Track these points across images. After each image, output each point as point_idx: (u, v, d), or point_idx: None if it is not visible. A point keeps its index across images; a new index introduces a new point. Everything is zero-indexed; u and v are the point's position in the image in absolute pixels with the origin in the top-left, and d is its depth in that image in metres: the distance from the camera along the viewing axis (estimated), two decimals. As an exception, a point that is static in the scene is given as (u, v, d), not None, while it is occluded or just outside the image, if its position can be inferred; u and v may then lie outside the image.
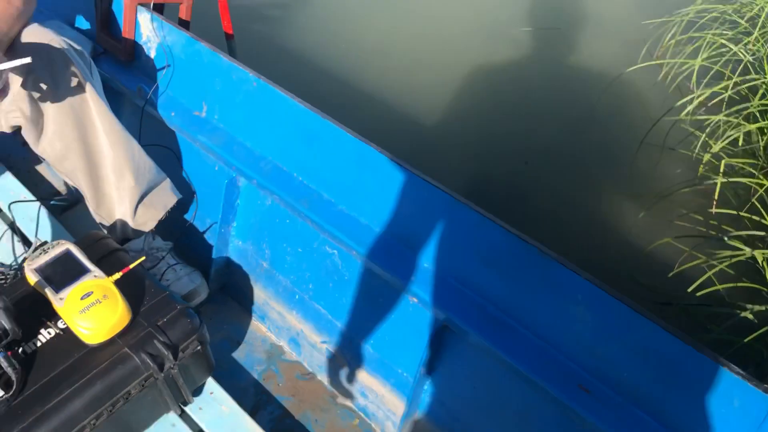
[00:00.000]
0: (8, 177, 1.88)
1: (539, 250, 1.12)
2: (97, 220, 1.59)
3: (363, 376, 1.48)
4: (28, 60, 1.20)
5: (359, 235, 1.32)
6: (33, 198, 1.77)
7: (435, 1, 3.86)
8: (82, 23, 1.84)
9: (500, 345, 1.18)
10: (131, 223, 1.53)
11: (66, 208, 1.99)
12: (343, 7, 3.73)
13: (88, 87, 1.38)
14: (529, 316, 1.18)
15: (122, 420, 1.26)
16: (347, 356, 1.50)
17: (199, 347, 1.31)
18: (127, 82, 1.70)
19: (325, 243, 1.42)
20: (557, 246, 1.18)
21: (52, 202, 1.92)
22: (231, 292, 1.68)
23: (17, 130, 1.47)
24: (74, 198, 1.79)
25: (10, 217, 1.72)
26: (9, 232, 1.68)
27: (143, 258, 1.32)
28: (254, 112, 1.50)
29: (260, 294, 1.62)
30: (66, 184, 1.88)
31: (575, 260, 1.16)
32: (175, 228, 1.60)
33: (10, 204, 1.75)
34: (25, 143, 1.51)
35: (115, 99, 1.75)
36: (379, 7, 3.76)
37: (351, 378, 1.51)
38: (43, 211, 1.74)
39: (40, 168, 2.13)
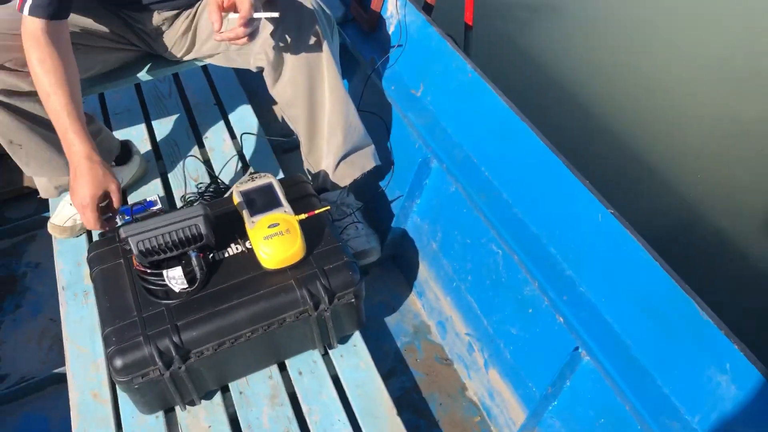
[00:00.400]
0: (248, 110, 2.15)
1: (697, 306, 1.06)
2: (305, 166, 1.77)
3: (495, 377, 1.51)
4: (276, 14, 1.38)
5: (526, 243, 1.34)
6: (262, 134, 2.01)
7: (707, 45, 3.37)
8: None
9: (635, 393, 1.14)
10: (331, 176, 1.69)
11: (286, 150, 2.23)
12: (593, 27, 3.50)
13: (325, 46, 1.54)
14: (671, 374, 1.12)
15: (273, 341, 1.42)
16: (485, 354, 1.53)
17: (353, 300, 1.42)
18: (363, 50, 1.85)
19: (492, 241, 1.45)
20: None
21: (275, 141, 2.15)
22: (399, 262, 1.78)
23: (261, 70, 1.68)
24: (294, 143, 1.99)
25: (240, 144, 1.98)
26: (236, 157, 1.93)
27: (328, 207, 1.46)
28: (462, 102, 1.57)
29: (423, 271, 1.70)
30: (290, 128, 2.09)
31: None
32: (367, 191, 1.73)
33: (242, 134, 2.01)
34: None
35: (349, 63, 1.91)
36: (634, 36, 3.43)
37: (483, 376, 1.54)
38: (267, 147, 1.97)
39: (276, 108, 2.40)
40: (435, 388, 1.63)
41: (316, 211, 1.45)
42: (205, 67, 2.37)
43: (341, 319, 1.46)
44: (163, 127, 2.13)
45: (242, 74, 2.36)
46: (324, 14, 1.53)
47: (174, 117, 2.17)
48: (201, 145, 2.05)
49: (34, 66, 1.40)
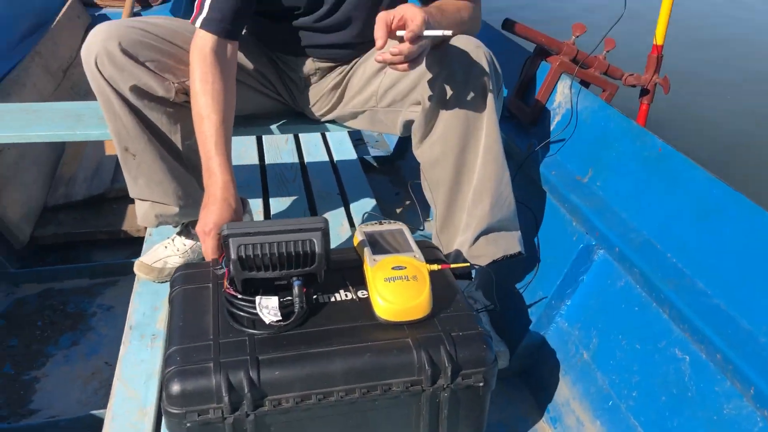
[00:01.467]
0: (371, 203, 1.99)
1: None
2: (435, 243, 1.52)
3: None
4: (449, 33, 1.22)
5: (734, 339, 0.99)
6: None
7: None
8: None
9: None
10: (465, 252, 1.42)
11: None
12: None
13: (490, 102, 1.36)
14: None
15: (366, 420, 1.09)
16: None
17: (481, 384, 1.09)
18: (521, 144, 1.67)
19: (678, 343, 1.10)
20: None
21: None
22: (530, 378, 1.43)
23: (406, 134, 1.51)
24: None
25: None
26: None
27: (467, 264, 1.18)
28: (645, 182, 1.31)
29: (564, 390, 1.33)
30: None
31: None
32: (500, 289, 1.43)
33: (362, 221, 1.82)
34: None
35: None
36: None
37: None
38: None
39: (398, 211, 2.24)
40: None
41: (453, 265, 1.18)
42: (333, 162, 2.28)
43: (458, 411, 1.12)
44: (281, 204, 2.00)
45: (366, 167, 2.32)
46: (494, 69, 1.37)
47: (293, 198, 2.03)
48: None
49: (195, 83, 1.35)
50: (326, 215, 1.93)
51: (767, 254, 1.04)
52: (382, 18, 1.20)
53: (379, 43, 1.20)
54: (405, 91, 1.46)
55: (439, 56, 1.34)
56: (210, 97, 1.33)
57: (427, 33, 1.20)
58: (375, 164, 2.49)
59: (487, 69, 1.34)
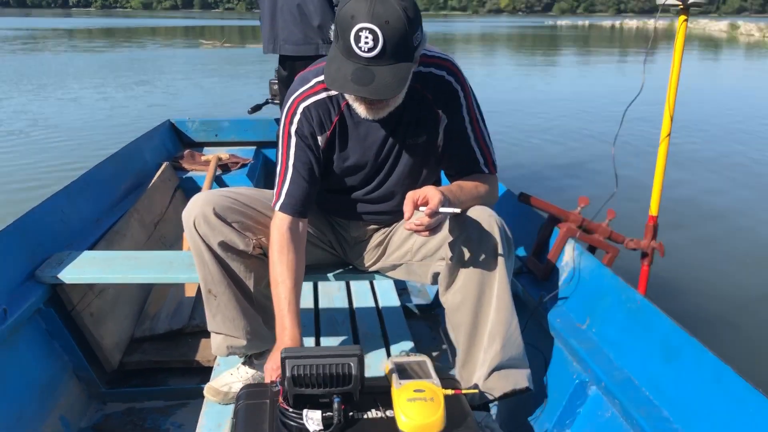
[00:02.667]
0: (409, 345, 2.25)
1: None
2: (458, 378, 1.78)
3: None
4: (458, 210, 1.57)
5: None
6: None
7: None
8: (521, 251, 2.24)
9: None
10: (481, 385, 1.67)
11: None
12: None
13: (500, 261, 1.67)
14: None
15: None
16: None
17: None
18: (534, 294, 1.96)
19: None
20: None
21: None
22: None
23: (435, 282, 1.83)
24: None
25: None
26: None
27: (476, 391, 1.44)
28: (628, 328, 1.57)
29: None
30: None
31: None
32: (512, 421, 1.67)
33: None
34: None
35: (519, 306, 2.01)
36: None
37: None
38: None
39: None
40: None
41: (463, 390, 1.44)
42: (378, 308, 2.58)
43: None
44: (330, 344, 2.29)
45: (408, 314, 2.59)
46: (505, 234, 1.69)
47: (342, 338, 2.33)
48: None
49: (274, 253, 1.73)
50: (369, 354, 2.21)
51: (713, 388, 1.28)
52: (410, 197, 1.56)
53: (406, 215, 1.55)
54: (433, 248, 1.80)
55: (460, 222, 1.68)
56: (285, 267, 1.71)
57: (442, 210, 1.55)
58: (416, 311, 2.78)
59: (497, 234, 1.67)
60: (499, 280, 1.67)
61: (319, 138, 1.75)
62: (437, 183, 1.96)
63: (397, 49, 1.47)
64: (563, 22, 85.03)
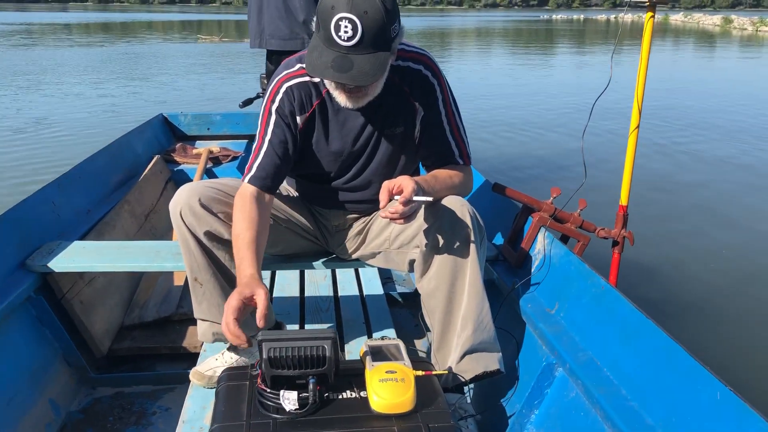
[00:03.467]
0: (392, 333, 2.32)
1: None
2: (433, 361, 1.85)
3: None
4: (430, 199, 1.63)
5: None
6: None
7: None
8: (498, 239, 2.30)
9: None
10: (454, 367, 1.74)
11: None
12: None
13: (473, 249, 1.73)
14: None
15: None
16: None
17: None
18: (508, 281, 2.03)
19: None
20: None
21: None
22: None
23: (411, 270, 1.89)
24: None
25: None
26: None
27: (446, 372, 1.51)
28: (592, 312, 1.64)
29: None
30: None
31: None
32: (485, 402, 1.74)
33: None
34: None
35: (494, 293, 2.08)
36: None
37: None
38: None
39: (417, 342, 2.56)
40: None
41: (434, 372, 1.51)
42: (362, 296, 2.65)
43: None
44: (312, 328, 2.35)
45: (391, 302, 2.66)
46: (477, 222, 1.76)
47: (326, 325, 2.40)
48: (342, 350, 2.21)
49: (235, 212, 1.75)
50: (352, 342, 2.28)
51: (666, 367, 1.35)
52: (385, 185, 1.62)
53: (381, 203, 1.62)
54: (410, 237, 1.86)
55: (434, 212, 1.75)
56: (246, 222, 1.70)
57: (415, 198, 1.61)
58: (400, 299, 2.85)
59: (470, 222, 1.73)
60: (471, 266, 1.74)
61: (298, 118, 1.80)
62: (415, 174, 2.03)
63: (375, 38, 1.54)
64: (558, 16, 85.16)
